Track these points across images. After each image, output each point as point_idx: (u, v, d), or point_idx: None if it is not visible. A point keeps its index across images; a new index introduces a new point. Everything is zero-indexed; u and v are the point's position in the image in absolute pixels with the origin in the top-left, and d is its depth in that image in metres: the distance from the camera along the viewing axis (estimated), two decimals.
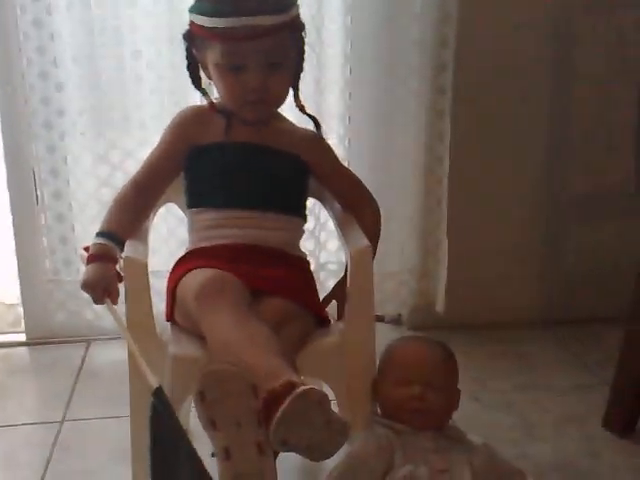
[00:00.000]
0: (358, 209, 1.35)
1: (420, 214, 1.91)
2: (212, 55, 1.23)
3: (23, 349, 1.91)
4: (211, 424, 0.95)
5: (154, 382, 1.01)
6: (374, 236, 1.33)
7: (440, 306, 1.92)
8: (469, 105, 1.83)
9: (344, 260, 1.89)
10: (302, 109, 1.35)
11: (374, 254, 1.29)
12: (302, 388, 0.94)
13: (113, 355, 1.83)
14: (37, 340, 1.91)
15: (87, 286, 1.18)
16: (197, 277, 1.15)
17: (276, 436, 0.93)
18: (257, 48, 1.20)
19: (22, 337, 1.92)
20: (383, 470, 1.15)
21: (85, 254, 1.24)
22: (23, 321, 1.91)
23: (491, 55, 1.83)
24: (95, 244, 1.24)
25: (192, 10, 1.24)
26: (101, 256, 1.21)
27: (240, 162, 1.29)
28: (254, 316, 1.10)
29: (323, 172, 1.35)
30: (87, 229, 1.83)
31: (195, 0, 1.26)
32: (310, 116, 1.37)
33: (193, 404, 1.01)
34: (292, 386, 0.94)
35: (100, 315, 1.88)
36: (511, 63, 1.85)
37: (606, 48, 1.85)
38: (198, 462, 0.94)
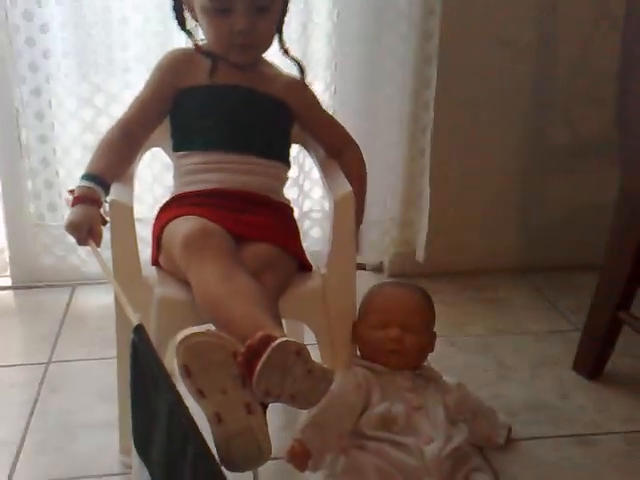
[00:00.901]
0: (341, 155, 1.37)
1: (403, 163, 1.93)
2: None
3: (9, 293, 1.93)
4: (198, 393, 0.98)
5: (135, 319, 1.03)
6: (359, 180, 1.35)
7: (420, 254, 1.96)
8: (455, 53, 1.84)
9: (327, 208, 1.95)
10: (286, 52, 1.36)
11: (363, 199, 1.32)
12: (279, 340, 0.96)
13: (98, 299, 1.87)
14: (23, 284, 1.94)
15: (71, 227, 1.20)
16: (182, 226, 1.17)
17: (259, 388, 0.96)
18: None
19: (8, 281, 1.95)
20: (361, 407, 1.20)
21: (70, 197, 1.25)
22: (9, 265, 1.93)
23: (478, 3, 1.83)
24: (80, 187, 1.25)
25: None
26: (85, 198, 1.23)
27: (225, 104, 1.30)
28: (239, 267, 1.11)
29: (307, 118, 1.37)
30: (72, 173, 1.84)
31: None
32: (294, 60, 1.37)
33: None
34: (269, 339, 0.96)
35: (85, 260, 1.91)
36: (497, 13, 1.85)
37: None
38: (176, 395, 0.96)
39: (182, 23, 1.33)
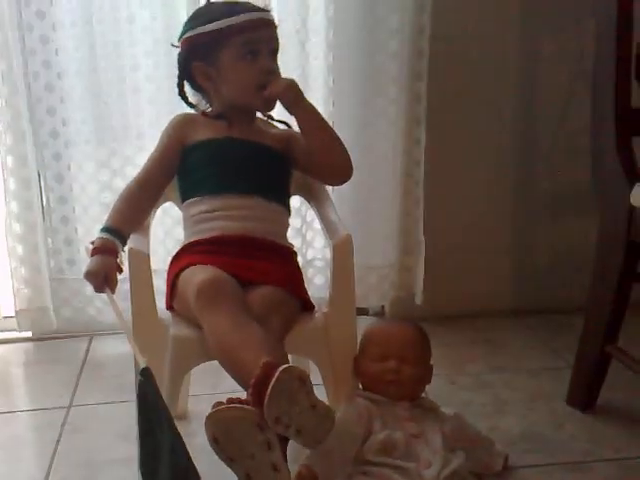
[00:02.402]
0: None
1: (400, 215, 2.05)
2: (228, 51, 1.38)
3: (30, 344, 2.04)
4: (228, 459, 1.08)
5: (142, 363, 1.12)
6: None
7: (419, 298, 2.07)
8: (442, 114, 1.99)
9: (328, 257, 2.06)
10: (270, 117, 1.52)
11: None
12: (284, 365, 1.07)
13: (115, 348, 1.98)
14: (43, 336, 2.04)
15: (89, 275, 1.32)
16: (196, 275, 1.28)
17: (270, 414, 1.06)
18: (267, 35, 1.40)
19: (28, 333, 2.05)
20: (363, 435, 1.29)
21: (89, 247, 1.38)
22: (29, 318, 2.03)
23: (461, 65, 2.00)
24: (99, 238, 1.37)
25: (194, 25, 1.41)
26: (104, 249, 1.35)
27: (227, 154, 1.43)
28: (247, 316, 1.22)
29: (299, 154, 1.47)
30: (90, 230, 1.96)
31: (192, 18, 1.44)
32: (280, 121, 1.53)
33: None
34: (274, 366, 1.07)
35: (102, 311, 2.01)
36: (481, 76, 2.02)
37: (568, 53, 2.02)
38: (177, 437, 1.06)
39: (185, 98, 1.50)
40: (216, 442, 1.07)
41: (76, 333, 2.05)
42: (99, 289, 1.32)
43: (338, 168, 1.45)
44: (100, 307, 2.01)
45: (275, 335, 1.25)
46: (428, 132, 1.98)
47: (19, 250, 1.98)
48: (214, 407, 1.08)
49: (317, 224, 2.05)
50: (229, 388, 1.26)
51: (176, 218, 1.94)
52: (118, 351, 1.94)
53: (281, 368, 1.06)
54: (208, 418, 1.07)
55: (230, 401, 1.09)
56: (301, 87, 1.86)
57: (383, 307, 2.16)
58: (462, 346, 2.00)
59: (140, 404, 1.13)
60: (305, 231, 2.05)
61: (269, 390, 1.05)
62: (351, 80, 1.97)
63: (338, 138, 1.44)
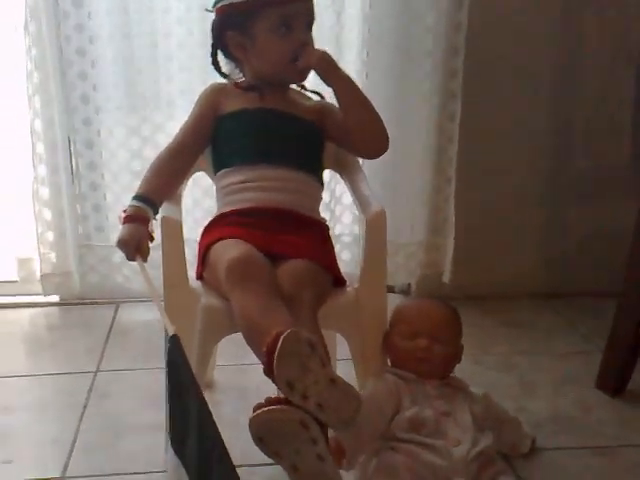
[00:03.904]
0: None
1: (430, 191, 2.03)
2: (264, 22, 1.35)
3: (57, 309, 2.05)
4: (275, 455, 1.08)
5: (171, 330, 1.11)
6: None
7: (447, 277, 2.05)
8: (478, 88, 1.95)
9: (357, 232, 2.05)
10: (303, 87, 1.49)
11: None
12: (290, 329, 1.06)
13: (142, 316, 1.98)
14: (70, 301, 2.06)
15: (121, 244, 1.31)
16: (228, 251, 1.26)
17: (280, 380, 1.05)
18: (303, 8, 1.38)
19: (56, 298, 2.07)
20: (392, 411, 1.28)
21: (122, 215, 1.36)
22: (54, 282, 2.04)
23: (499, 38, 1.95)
24: (131, 206, 1.35)
25: None
26: (135, 217, 1.33)
27: (261, 125, 1.41)
28: (277, 299, 1.20)
29: (333, 126, 1.44)
30: (119, 198, 1.96)
31: None
32: (313, 92, 1.49)
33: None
34: (282, 333, 1.06)
35: (129, 278, 2.02)
36: (518, 49, 1.97)
37: (611, 33, 1.96)
38: (204, 406, 1.03)
39: (219, 69, 1.47)
40: (261, 441, 1.08)
41: (102, 300, 2.06)
42: (131, 257, 1.31)
43: (375, 139, 1.42)
44: (127, 275, 2.01)
45: (307, 309, 1.23)
46: (463, 108, 1.94)
47: (46, 215, 1.98)
48: (255, 410, 1.07)
49: (346, 199, 2.04)
50: (254, 360, 1.25)
51: (205, 188, 1.94)
52: (145, 318, 1.95)
53: (288, 330, 1.05)
54: (251, 421, 1.07)
55: (269, 402, 1.08)
56: (335, 58, 1.89)
57: (410, 285, 2.14)
58: (489, 327, 1.98)
59: (168, 371, 1.13)
60: (334, 206, 2.03)
61: (276, 352, 1.05)
62: (386, 53, 1.93)
63: (374, 109, 1.41)
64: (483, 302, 2.08)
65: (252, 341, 1.18)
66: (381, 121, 1.41)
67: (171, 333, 1.11)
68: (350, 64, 1.91)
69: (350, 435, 1.23)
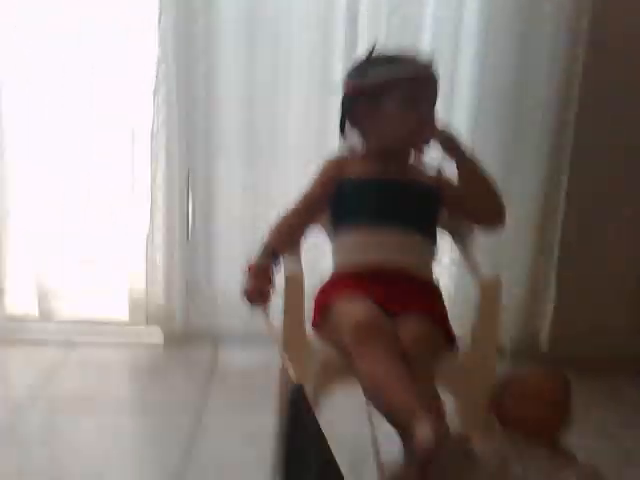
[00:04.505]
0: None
1: (531, 259, 2.07)
2: (392, 99, 1.45)
3: (159, 350, 2.17)
4: None
5: (296, 379, 1.18)
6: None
7: (544, 343, 2.06)
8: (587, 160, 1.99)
9: (452, 294, 2.09)
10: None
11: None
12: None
13: (243, 360, 2.10)
14: (173, 340, 2.17)
15: (247, 293, 1.40)
16: (352, 311, 1.33)
17: None
18: (427, 89, 1.48)
19: (160, 339, 2.18)
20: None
21: (248, 265, 1.45)
22: (163, 323, 2.16)
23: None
24: (256, 257, 1.45)
25: (362, 73, 1.49)
26: (260, 268, 1.43)
27: (381, 189, 1.49)
28: (402, 362, 1.26)
29: (450, 196, 1.52)
30: (230, 247, 2.08)
31: (360, 65, 1.51)
32: (439, 172, 1.56)
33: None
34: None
35: (230, 318, 2.10)
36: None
37: None
38: (329, 455, 1.08)
39: (344, 136, 1.56)
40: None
41: (204, 340, 2.16)
42: (255, 306, 1.39)
43: (490, 213, 1.50)
44: (230, 314, 2.10)
45: (426, 370, 1.29)
46: (570, 176, 1.99)
47: (158, 260, 2.10)
48: None
49: (444, 260, 2.09)
50: None
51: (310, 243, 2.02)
52: (246, 362, 2.05)
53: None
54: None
55: None
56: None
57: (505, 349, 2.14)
58: (584, 394, 1.96)
59: (290, 420, 1.18)
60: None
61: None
62: (494, 124, 2.01)
63: (494, 185, 1.48)
64: (580, 368, 2.06)
65: (383, 408, 1.24)
66: (498, 198, 1.48)
67: (296, 382, 1.18)
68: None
69: None
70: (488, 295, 1.41)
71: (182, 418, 1.76)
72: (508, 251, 2.06)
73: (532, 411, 1.33)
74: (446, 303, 2.03)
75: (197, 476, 1.53)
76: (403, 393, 1.21)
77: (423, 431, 1.11)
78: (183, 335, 2.16)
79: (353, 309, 1.33)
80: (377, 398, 1.25)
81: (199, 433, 1.70)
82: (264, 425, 1.48)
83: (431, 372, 1.30)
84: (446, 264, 2.10)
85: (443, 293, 2.07)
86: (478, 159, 1.49)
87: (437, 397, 1.30)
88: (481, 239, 1.95)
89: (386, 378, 1.23)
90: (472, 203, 1.49)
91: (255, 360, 2.05)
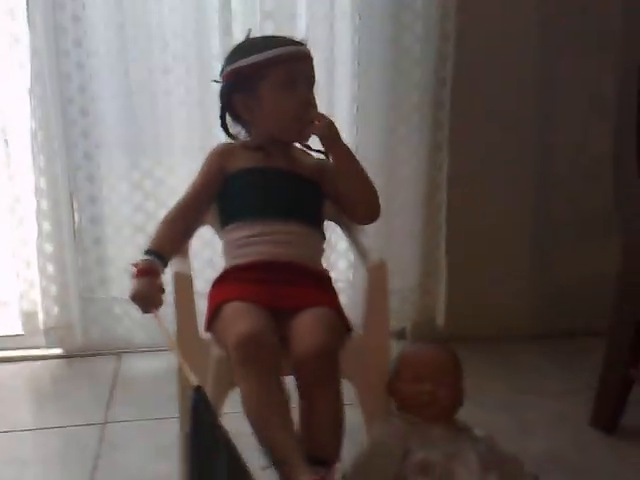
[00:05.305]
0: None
1: (421, 237, 2.11)
2: (269, 82, 1.43)
3: (61, 361, 2.08)
4: None
5: (195, 381, 1.16)
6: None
7: (440, 320, 2.12)
8: (464, 138, 2.06)
9: (351, 278, 2.12)
10: (309, 147, 1.55)
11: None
12: None
13: (144, 366, 2.03)
14: (73, 353, 2.09)
15: (136, 298, 1.35)
16: (236, 322, 1.30)
17: None
18: (305, 68, 1.47)
19: (59, 350, 2.10)
20: (401, 455, 1.32)
21: (134, 269, 1.40)
22: (58, 335, 2.07)
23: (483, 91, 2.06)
24: (143, 260, 1.40)
25: (235, 59, 1.46)
26: (147, 271, 1.38)
27: (267, 183, 1.49)
28: (279, 389, 1.27)
29: (331, 186, 1.52)
30: (121, 250, 2.01)
31: (232, 52, 1.49)
32: (319, 151, 1.55)
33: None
34: None
35: (130, 330, 2.05)
36: (501, 100, 2.08)
37: (585, 88, 2.09)
38: (235, 455, 1.10)
39: (227, 130, 1.55)
40: None
41: (104, 351, 2.09)
42: (146, 310, 1.35)
43: (366, 210, 1.51)
44: (129, 326, 2.05)
45: (331, 356, 1.30)
46: (450, 157, 2.04)
47: (50, 269, 2.02)
48: None
49: (340, 246, 2.12)
50: None
51: (205, 240, 2.00)
52: (147, 369, 1.99)
53: None
54: None
55: None
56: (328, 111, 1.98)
57: (404, 329, 2.20)
58: (483, 368, 2.04)
59: (193, 422, 1.16)
60: (329, 254, 2.09)
61: None
62: (375, 108, 2.03)
63: (370, 182, 1.50)
64: (476, 344, 2.12)
65: (257, 432, 1.25)
66: (374, 193, 1.50)
67: (195, 384, 1.16)
68: (342, 119, 2.00)
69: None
70: (375, 279, 1.43)
71: (86, 434, 1.70)
72: (398, 233, 2.09)
73: (422, 386, 1.37)
74: (345, 289, 2.14)
75: None
76: (281, 432, 1.24)
77: None
78: (82, 347, 2.08)
79: (237, 321, 1.31)
80: (256, 428, 1.25)
81: (105, 443, 1.66)
82: (174, 435, 1.45)
83: (335, 356, 1.30)
84: (342, 250, 2.12)
85: (342, 279, 2.16)
86: (354, 156, 1.50)
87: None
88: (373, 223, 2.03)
89: (266, 411, 1.25)
90: (347, 197, 1.49)
91: (159, 368, 1.99)
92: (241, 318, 1.31)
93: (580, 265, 2.19)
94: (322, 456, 1.28)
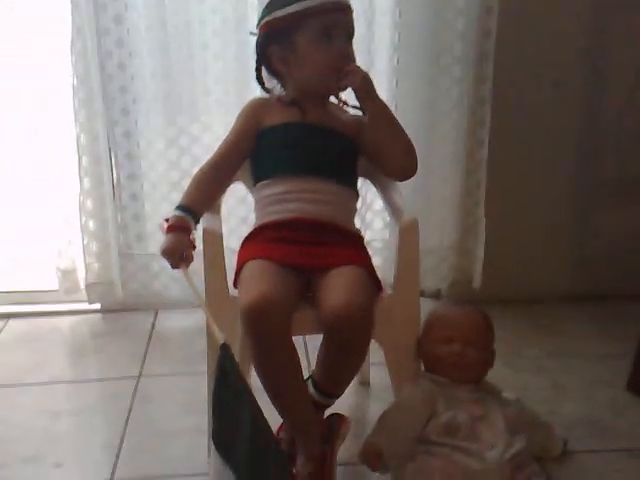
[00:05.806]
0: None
1: (460, 195, 2.06)
2: (305, 34, 1.40)
3: (99, 316, 2.14)
4: None
5: (221, 339, 1.16)
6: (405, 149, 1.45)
7: (477, 282, 2.08)
8: (508, 93, 1.99)
9: (387, 237, 2.09)
10: (345, 103, 1.52)
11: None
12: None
13: (180, 322, 2.06)
14: (111, 308, 2.13)
15: (166, 253, 1.35)
16: (251, 284, 1.29)
17: None
18: (343, 19, 1.43)
19: (97, 306, 2.14)
20: (427, 416, 1.32)
21: (165, 224, 1.40)
22: (98, 291, 2.11)
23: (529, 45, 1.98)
24: (174, 216, 1.40)
25: (271, 10, 1.43)
26: (178, 227, 1.38)
27: (301, 138, 1.46)
28: (290, 346, 1.28)
29: (368, 143, 1.48)
30: (158, 207, 2.03)
31: (269, 3, 1.46)
32: (354, 107, 1.51)
33: None
34: None
35: (168, 286, 2.08)
36: (547, 54, 2.00)
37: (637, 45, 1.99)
38: (257, 410, 1.10)
39: (262, 83, 1.52)
40: None
41: (142, 307, 2.13)
42: (175, 266, 1.36)
43: (401, 165, 1.46)
44: (166, 283, 2.07)
45: (362, 314, 1.27)
46: (493, 113, 1.97)
47: (91, 225, 2.05)
48: None
49: (376, 205, 2.09)
50: None
51: (239, 197, 2.00)
52: (183, 325, 2.03)
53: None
54: None
55: None
56: (366, 66, 1.93)
57: (439, 290, 2.17)
58: (518, 330, 2.01)
59: (218, 377, 1.17)
60: (365, 212, 2.07)
61: None
62: (416, 60, 1.97)
63: (406, 137, 1.45)
64: (513, 306, 2.10)
65: (273, 402, 1.30)
66: (410, 147, 1.45)
67: (221, 341, 1.16)
68: (381, 72, 1.96)
69: (386, 439, 1.27)
70: (406, 238, 1.41)
71: (120, 387, 1.74)
72: (437, 192, 2.05)
73: (451, 347, 1.35)
74: (381, 250, 2.12)
75: (136, 445, 1.52)
76: (296, 404, 1.30)
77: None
78: (121, 302, 2.11)
79: (250, 284, 1.30)
80: (271, 395, 1.29)
81: (139, 396, 1.69)
82: (205, 390, 1.45)
83: (370, 312, 1.28)
84: (378, 209, 2.09)
85: (377, 239, 2.14)
86: (390, 110, 1.46)
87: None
88: (410, 181, 1.99)
89: (271, 375, 1.29)
90: (383, 153, 1.45)
91: (194, 324, 1.98)
92: (255, 281, 1.30)
93: (625, 227, 2.12)
94: (329, 391, 1.36)
